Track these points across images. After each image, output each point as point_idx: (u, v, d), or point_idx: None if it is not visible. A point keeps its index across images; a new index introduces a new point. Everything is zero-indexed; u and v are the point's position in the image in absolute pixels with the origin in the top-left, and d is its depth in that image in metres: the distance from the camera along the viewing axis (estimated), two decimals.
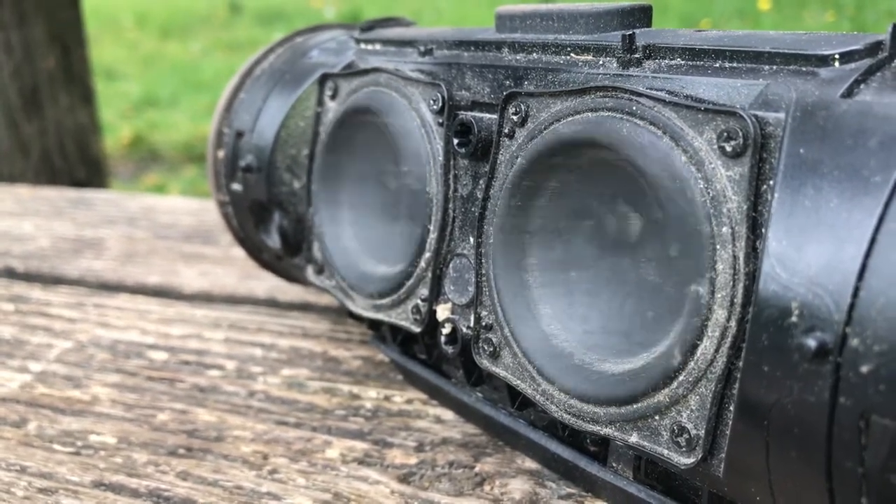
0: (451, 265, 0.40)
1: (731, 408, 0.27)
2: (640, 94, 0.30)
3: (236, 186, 0.51)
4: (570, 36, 0.36)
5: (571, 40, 0.35)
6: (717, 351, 0.27)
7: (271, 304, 0.60)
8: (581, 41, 0.35)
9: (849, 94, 0.26)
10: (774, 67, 0.29)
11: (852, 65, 0.27)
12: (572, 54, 0.35)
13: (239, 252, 0.68)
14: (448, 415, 0.44)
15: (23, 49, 1.39)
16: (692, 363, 0.28)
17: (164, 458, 0.42)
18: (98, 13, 4.32)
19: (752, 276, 0.26)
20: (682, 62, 0.31)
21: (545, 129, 0.34)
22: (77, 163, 1.51)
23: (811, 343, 0.23)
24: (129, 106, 3.09)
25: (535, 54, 0.37)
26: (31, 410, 0.47)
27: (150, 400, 0.48)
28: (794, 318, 0.24)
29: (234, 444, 0.43)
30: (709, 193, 0.28)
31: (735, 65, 0.30)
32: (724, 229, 0.27)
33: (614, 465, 0.35)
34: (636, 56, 0.32)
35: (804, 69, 0.28)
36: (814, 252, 0.24)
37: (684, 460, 0.29)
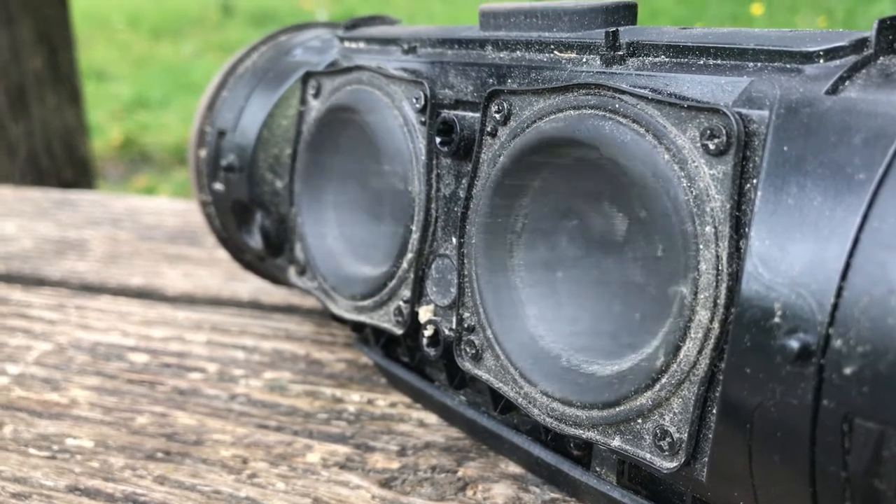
0: (433, 266, 0.39)
1: (714, 411, 0.27)
2: (622, 92, 0.30)
3: (218, 186, 0.50)
4: (554, 33, 0.35)
5: (555, 38, 0.35)
6: (700, 353, 0.27)
7: (255, 306, 0.59)
8: (564, 38, 0.34)
9: (833, 90, 0.25)
10: (759, 64, 0.28)
11: (837, 61, 0.27)
12: (556, 52, 0.35)
13: (223, 253, 0.67)
14: (431, 418, 0.44)
15: (9, 49, 1.38)
16: (675, 365, 0.28)
17: (141, 462, 0.41)
18: (89, 15, 4.30)
19: (736, 277, 0.26)
20: (667, 59, 0.31)
21: (528, 127, 0.33)
22: (64, 164, 1.50)
23: (794, 344, 0.23)
24: (119, 107, 3.07)
25: (518, 52, 0.36)
26: (8, 414, 0.46)
27: (129, 403, 0.47)
28: (776, 319, 0.23)
29: (213, 447, 0.42)
30: (692, 192, 0.27)
31: (719, 62, 0.29)
32: (708, 229, 0.27)
33: (598, 469, 0.34)
34: (620, 53, 0.32)
35: (789, 66, 0.27)
36: (797, 251, 0.23)
37: (667, 464, 0.28)
